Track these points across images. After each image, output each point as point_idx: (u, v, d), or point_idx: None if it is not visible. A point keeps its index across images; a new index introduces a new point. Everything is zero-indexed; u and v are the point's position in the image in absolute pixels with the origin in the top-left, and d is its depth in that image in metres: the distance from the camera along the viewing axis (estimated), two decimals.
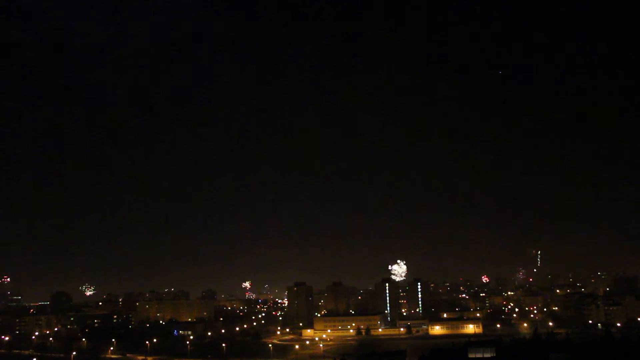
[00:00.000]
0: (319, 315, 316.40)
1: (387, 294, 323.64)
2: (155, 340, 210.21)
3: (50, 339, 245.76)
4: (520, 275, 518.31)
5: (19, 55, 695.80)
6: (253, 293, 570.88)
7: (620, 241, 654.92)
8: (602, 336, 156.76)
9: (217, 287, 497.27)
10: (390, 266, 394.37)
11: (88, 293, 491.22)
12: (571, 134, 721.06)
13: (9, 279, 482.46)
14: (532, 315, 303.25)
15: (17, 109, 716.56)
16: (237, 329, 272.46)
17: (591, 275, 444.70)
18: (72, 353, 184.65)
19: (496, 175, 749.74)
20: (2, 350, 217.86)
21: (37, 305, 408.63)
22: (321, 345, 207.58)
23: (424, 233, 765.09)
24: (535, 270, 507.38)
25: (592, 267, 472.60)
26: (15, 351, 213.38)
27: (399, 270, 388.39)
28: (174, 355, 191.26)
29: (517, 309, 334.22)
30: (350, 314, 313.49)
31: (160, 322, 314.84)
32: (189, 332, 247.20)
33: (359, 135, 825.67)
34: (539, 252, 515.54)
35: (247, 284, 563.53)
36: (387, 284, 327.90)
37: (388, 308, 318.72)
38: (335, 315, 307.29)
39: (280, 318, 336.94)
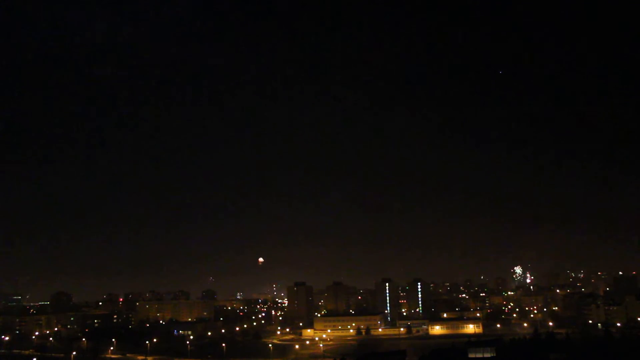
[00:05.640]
0: (319, 315, 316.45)
1: (387, 294, 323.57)
2: (155, 340, 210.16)
3: (50, 339, 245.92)
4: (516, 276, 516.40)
5: (19, 55, 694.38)
6: (252, 292, 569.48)
7: (620, 241, 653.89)
8: (602, 336, 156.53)
9: (217, 286, 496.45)
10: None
11: None
12: (571, 133, 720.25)
13: None
14: (532, 315, 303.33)
15: (16, 109, 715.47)
16: (237, 329, 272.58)
17: (591, 275, 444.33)
18: (72, 353, 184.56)
19: (496, 175, 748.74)
20: (2, 350, 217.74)
21: (37, 305, 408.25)
22: (321, 345, 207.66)
23: (424, 233, 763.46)
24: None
25: (592, 267, 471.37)
26: (15, 351, 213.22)
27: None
28: (174, 355, 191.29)
29: (517, 309, 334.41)
30: (350, 314, 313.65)
31: (160, 322, 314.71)
32: (189, 332, 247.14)
33: (359, 135, 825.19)
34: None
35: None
36: (387, 284, 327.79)
37: (388, 308, 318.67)
38: (335, 315, 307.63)
39: (280, 318, 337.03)
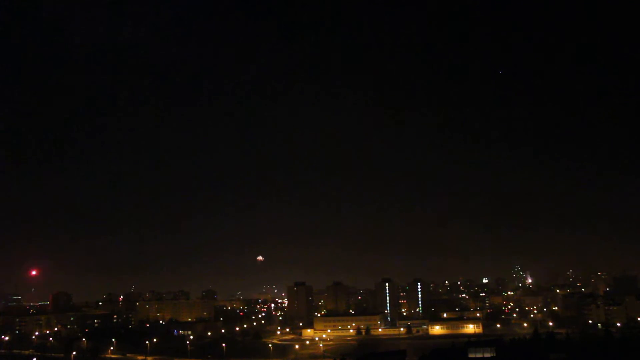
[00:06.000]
0: (319, 315, 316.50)
1: (387, 294, 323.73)
2: (155, 340, 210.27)
3: (50, 339, 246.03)
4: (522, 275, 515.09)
5: (19, 55, 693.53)
6: (252, 292, 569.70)
7: (620, 241, 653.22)
8: (602, 336, 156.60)
9: (217, 287, 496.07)
10: None
11: None
12: (571, 134, 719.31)
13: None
14: (532, 315, 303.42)
15: (16, 109, 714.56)
16: (237, 329, 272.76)
17: (591, 275, 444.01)
18: (72, 353, 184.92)
19: (496, 175, 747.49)
20: (2, 350, 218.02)
21: (37, 305, 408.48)
22: (321, 345, 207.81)
23: (424, 233, 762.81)
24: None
25: (592, 267, 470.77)
26: (15, 351, 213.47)
27: None
28: (174, 355, 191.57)
29: (517, 309, 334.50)
30: (350, 314, 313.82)
31: (160, 322, 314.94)
32: (189, 332, 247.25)
33: (359, 135, 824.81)
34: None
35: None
36: (387, 284, 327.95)
37: (388, 308, 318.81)
38: (335, 315, 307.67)
39: (280, 318, 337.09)
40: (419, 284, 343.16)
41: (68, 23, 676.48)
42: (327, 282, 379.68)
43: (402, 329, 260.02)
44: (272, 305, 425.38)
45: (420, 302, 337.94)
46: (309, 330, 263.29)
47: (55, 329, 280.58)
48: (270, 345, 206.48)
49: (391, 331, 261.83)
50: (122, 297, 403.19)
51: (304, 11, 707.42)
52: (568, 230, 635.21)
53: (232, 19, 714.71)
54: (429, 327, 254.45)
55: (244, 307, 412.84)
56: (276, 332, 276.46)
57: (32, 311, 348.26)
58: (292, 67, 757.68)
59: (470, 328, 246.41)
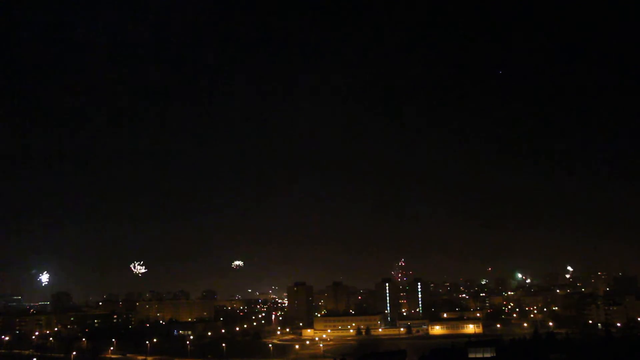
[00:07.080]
0: (319, 315, 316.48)
1: (387, 294, 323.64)
2: (155, 340, 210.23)
3: (50, 339, 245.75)
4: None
5: (19, 54, 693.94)
6: (252, 292, 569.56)
7: (620, 241, 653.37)
8: (602, 336, 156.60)
9: (217, 287, 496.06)
10: None
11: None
12: (571, 134, 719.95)
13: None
14: (532, 315, 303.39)
15: (16, 109, 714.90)
16: (237, 329, 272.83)
17: (591, 275, 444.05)
18: (72, 353, 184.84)
19: (495, 175, 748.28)
20: (2, 350, 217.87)
21: (37, 305, 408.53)
22: (321, 345, 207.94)
23: (424, 233, 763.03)
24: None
25: (592, 267, 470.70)
26: (15, 351, 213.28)
27: None
28: (174, 355, 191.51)
29: (517, 309, 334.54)
30: (350, 314, 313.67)
31: (160, 322, 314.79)
32: (189, 332, 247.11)
33: (359, 135, 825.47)
34: None
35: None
36: (387, 284, 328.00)
37: (388, 308, 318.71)
38: (335, 315, 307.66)
39: (280, 318, 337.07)
40: (419, 284, 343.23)
41: (68, 23, 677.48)
42: (327, 282, 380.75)
43: (402, 329, 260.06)
44: (272, 305, 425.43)
45: (420, 302, 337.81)
46: (309, 331, 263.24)
47: (55, 329, 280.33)
48: (270, 345, 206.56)
49: (391, 331, 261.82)
50: (122, 297, 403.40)
51: (304, 11, 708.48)
52: (568, 230, 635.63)
53: (232, 19, 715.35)
54: (429, 327, 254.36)
55: (244, 307, 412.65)
56: (276, 332, 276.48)
57: (32, 311, 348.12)
58: (292, 67, 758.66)
59: (470, 328, 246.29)
